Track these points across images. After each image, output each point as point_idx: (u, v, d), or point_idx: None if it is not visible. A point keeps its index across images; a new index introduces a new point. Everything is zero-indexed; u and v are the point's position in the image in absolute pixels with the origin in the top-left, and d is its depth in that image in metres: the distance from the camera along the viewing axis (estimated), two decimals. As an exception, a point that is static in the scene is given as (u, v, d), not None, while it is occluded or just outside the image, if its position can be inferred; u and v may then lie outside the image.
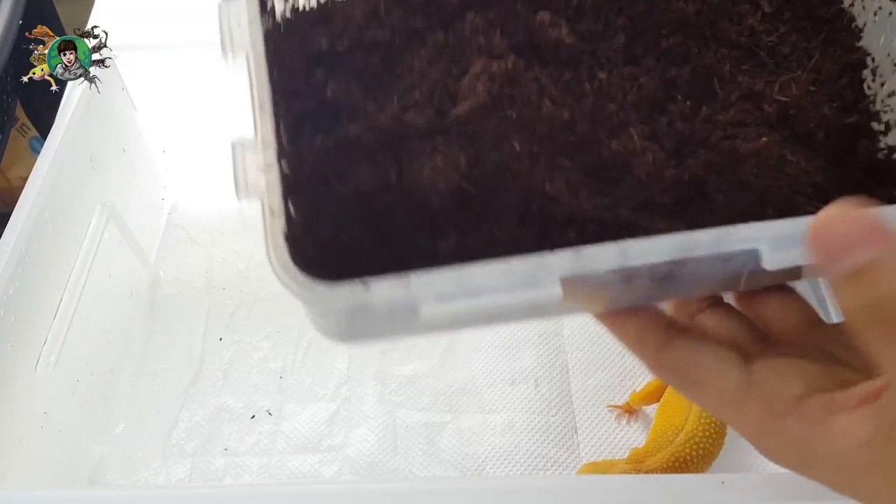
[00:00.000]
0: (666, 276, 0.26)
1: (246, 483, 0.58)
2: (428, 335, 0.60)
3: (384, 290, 0.23)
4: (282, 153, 0.27)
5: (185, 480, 0.59)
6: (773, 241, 0.24)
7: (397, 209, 0.27)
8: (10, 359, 0.50)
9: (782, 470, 0.27)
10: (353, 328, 0.27)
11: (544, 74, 0.30)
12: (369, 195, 0.27)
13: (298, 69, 0.29)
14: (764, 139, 0.29)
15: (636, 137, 0.28)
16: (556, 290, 0.24)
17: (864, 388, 0.24)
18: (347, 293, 0.23)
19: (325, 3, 0.32)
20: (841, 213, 0.23)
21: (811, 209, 0.26)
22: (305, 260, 0.24)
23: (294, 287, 0.23)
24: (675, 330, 0.28)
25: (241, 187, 0.25)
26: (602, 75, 0.30)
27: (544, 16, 0.31)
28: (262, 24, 0.29)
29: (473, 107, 0.28)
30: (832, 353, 0.28)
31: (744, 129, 0.29)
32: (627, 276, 0.25)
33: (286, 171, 0.27)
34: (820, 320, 0.30)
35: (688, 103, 0.30)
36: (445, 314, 0.24)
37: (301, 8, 0.32)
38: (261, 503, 0.41)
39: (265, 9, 0.30)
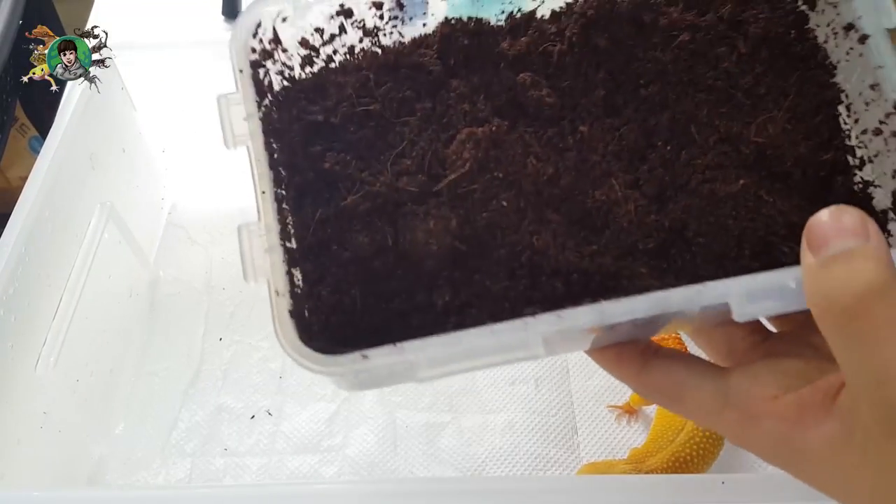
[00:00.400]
0: (647, 323, 0.28)
1: (246, 483, 0.58)
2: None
3: (381, 358, 0.26)
4: (284, 233, 0.29)
5: (184, 481, 0.59)
6: (741, 296, 0.27)
7: (395, 271, 0.29)
8: (9, 359, 0.50)
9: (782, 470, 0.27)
10: (359, 383, 0.31)
11: (528, 133, 0.31)
12: (368, 259, 0.29)
13: (297, 143, 0.31)
14: (741, 181, 0.30)
15: (617, 187, 0.30)
16: (540, 351, 0.27)
17: (827, 383, 0.25)
18: (349, 364, 0.26)
19: (319, 71, 0.34)
20: (831, 210, 0.25)
21: (785, 250, 0.29)
22: (310, 334, 0.28)
23: (301, 360, 0.26)
24: (650, 352, 0.30)
25: (248, 270, 0.28)
26: (584, 129, 0.31)
27: (525, 77, 0.32)
28: (259, 109, 0.31)
29: (461, 174, 0.29)
30: (821, 346, 0.28)
31: (722, 171, 0.30)
32: (610, 325, 0.27)
33: (291, 245, 0.29)
34: None
35: (668, 149, 0.31)
36: (439, 372, 0.27)
37: (297, 76, 0.34)
38: (261, 503, 0.41)
39: (261, 90, 0.32)
